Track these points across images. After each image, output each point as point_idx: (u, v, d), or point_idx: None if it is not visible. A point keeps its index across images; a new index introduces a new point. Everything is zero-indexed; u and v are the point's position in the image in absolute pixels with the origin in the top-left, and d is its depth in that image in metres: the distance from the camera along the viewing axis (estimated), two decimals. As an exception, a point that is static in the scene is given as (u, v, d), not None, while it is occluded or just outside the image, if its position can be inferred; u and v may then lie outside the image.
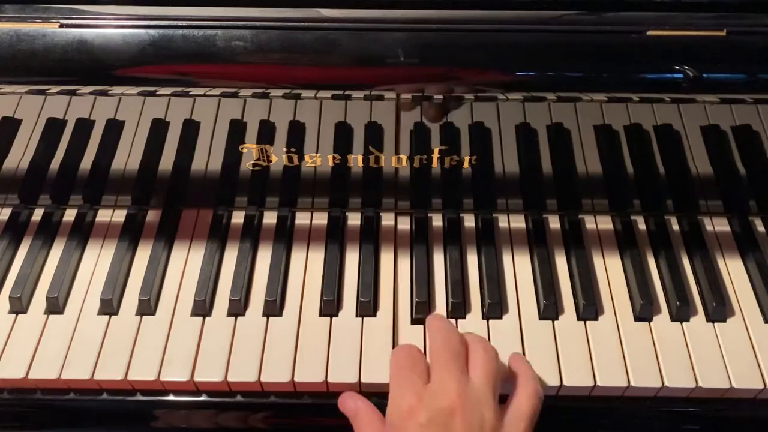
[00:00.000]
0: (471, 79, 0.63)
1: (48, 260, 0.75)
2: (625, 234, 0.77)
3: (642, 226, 0.79)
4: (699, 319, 0.71)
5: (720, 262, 0.76)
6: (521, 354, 0.67)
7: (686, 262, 0.76)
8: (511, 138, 0.71)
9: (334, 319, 0.70)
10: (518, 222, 0.79)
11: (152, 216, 0.79)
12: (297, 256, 0.76)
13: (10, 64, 0.61)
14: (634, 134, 0.71)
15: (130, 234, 0.76)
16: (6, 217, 0.78)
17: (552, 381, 0.66)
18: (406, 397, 0.58)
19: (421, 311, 0.70)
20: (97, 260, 0.75)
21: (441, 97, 0.65)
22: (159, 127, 0.70)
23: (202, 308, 0.70)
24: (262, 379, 0.66)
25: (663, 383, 0.66)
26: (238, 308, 0.70)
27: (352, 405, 0.63)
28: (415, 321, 0.70)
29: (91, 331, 0.69)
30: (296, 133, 0.71)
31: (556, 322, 0.70)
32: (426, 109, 0.68)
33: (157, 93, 0.64)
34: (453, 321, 0.70)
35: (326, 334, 0.69)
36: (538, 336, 0.69)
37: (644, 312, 0.70)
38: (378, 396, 0.67)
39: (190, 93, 0.64)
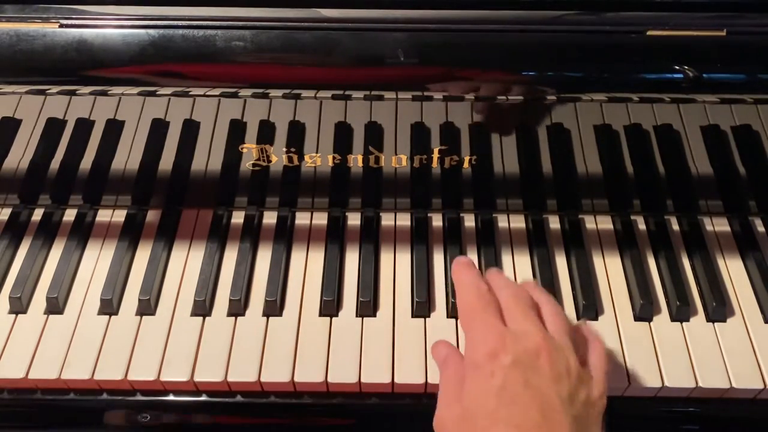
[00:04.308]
0: (471, 79, 0.63)
1: (48, 260, 0.75)
2: (625, 234, 0.77)
3: (642, 226, 0.79)
4: (699, 319, 0.71)
5: (720, 262, 0.76)
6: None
7: (686, 262, 0.76)
8: (511, 138, 0.71)
9: (334, 319, 0.70)
10: (518, 222, 0.79)
11: (152, 216, 0.79)
12: (297, 256, 0.76)
13: (10, 64, 0.61)
14: (634, 134, 0.71)
15: (130, 234, 0.76)
16: (6, 217, 0.78)
17: (552, 381, 0.66)
18: (488, 338, 0.56)
19: (421, 311, 0.70)
20: (97, 260, 0.75)
21: (441, 96, 0.65)
22: (159, 127, 0.70)
23: (202, 308, 0.70)
24: (262, 379, 0.66)
25: (663, 383, 0.66)
26: (238, 308, 0.70)
27: (443, 351, 0.61)
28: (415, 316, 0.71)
29: (91, 331, 0.69)
30: (296, 133, 0.71)
31: (556, 322, 0.70)
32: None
33: (157, 93, 0.64)
34: (453, 321, 0.70)
35: (326, 334, 0.69)
36: (538, 336, 0.69)
37: (644, 312, 0.70)
38: (378, 396, 0.68)
39: (190, 93, 0.64)
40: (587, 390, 0.55)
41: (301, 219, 0.79)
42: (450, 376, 0.58)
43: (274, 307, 0.70)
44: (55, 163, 0.74)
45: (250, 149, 0.72)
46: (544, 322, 0.59)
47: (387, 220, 0.79)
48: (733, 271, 0.75)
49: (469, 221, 0.79)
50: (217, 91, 0.63)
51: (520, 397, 0.53)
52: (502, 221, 0.79)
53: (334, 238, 0.76)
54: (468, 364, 0.56)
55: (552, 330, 0.58)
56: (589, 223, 0.79)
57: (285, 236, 0.76)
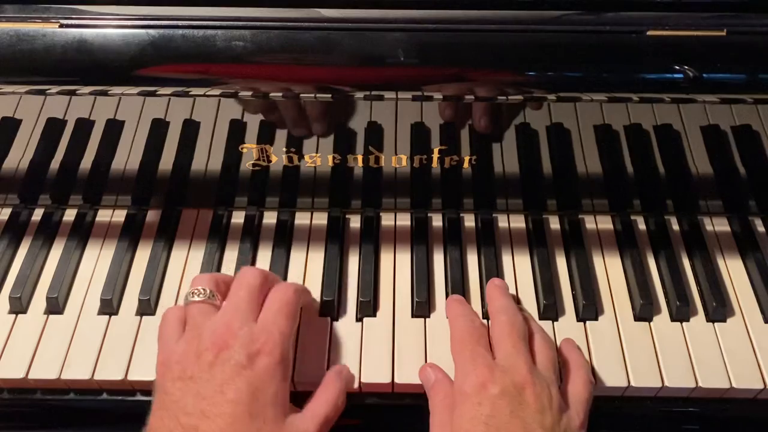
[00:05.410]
0: (471, 79, 0.63)
1: (48, 260, 0.75)
2: (625, 234, 0.77)
3: (642, 226, 0.79)
4: (699, 319, 0.71)
5: (720, 262, 0.76)
6: (572, 340, 0.68)
7: (686, 262, 0.76)
8: (511, 138, 0.71)
9: (333, 319, 0.70)
10: (518, 222, 0.79)
11: (152, 216, 0.79)
12: (297, 256, 0.75)
13: (10, 64, 0.61)
14: (634, 134, 0.71)
15: (130, 234, 0.76)
16: (6, 217, 0.78)
17: (552, 381, 0.66)
18: (477, 369, 0.60)
19: (421, 311, 0.70)
20: (97, 260, 0.75)
21: (441, 97, 0.65)
22: (159, 127, 0.70)
23: (202, 308, 0.70)
24: (262, 379, 0.66)
25: (663, 383, 0.66)
26: (238, 308, 0.70)
27: (431, 375, 0.64)
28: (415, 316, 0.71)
29: (91, 331, 0.69)
30: (296, 133, 0.71)
31: (555, 322, 0.70)
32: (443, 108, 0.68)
33: (157, 93, 0.63)
34: (453, 321, 0.70)
35: (326, 334, 0.69)
36: (538, 336, 0.68)
37: (644, 312, 0.70)
38: (378, 396, 0.68)
39: (190, 93, 0.64)
40: (568, 420, 0.59)
41: (301, 219, 0.79)
42: (440, 402, 0.61)
43: (274, 307, 0.70)
44: (55, 163, 0.74)
45: (250, 149, 0.72)
46: (534, 352, 0.63)
47: (387, 220, 0.79)
48: (733, 271, 0.75)
49: (469, 221, 0.79)
50: (217, 91, 0.63)
51: (506, 426, 0.56)
52: (502, 221, 0.79)
53: (334, 238, 0.76)
54: (457, 393, 0.60)
55: (539, 361, 0.62)
56: (589, 223, 0.79)
57: (285, 236, 0.76)
